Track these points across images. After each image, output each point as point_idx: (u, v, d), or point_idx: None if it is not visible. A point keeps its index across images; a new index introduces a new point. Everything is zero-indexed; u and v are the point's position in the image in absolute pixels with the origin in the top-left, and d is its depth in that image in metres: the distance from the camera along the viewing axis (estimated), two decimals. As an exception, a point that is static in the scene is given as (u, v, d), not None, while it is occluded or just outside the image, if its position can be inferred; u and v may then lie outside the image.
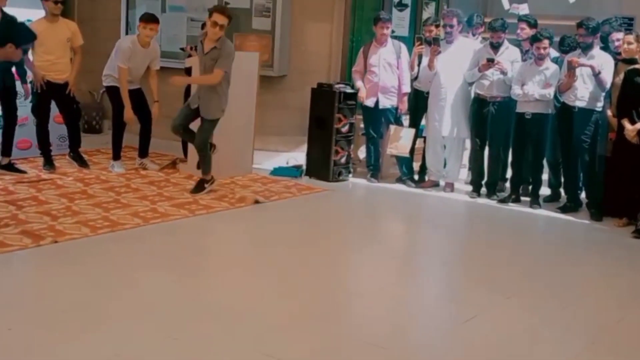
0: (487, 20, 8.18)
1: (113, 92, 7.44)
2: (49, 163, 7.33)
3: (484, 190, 7.56)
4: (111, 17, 8.92)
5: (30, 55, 7.16)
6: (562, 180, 7.40)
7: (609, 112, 6.77)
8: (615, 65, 6.77)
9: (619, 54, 6.84)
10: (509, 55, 7.26)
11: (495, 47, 7.26)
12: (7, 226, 5.39)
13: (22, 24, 6.80)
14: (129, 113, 7.36)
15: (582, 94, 6.78)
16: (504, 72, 7.11)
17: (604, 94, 6.77)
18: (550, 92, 6.93)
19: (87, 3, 9.15)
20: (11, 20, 6.79)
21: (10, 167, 7.07)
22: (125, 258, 5.05)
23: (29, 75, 7.28)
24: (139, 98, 7.51)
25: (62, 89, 7.26)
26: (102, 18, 8.91)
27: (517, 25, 7.71)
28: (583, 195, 7.27)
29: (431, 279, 5.39)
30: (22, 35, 6.71)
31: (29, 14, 7.44)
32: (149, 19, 7.39)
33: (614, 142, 6.69)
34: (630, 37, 6.76)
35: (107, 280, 4.57)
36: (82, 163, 7.51)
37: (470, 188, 7.66)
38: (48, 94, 7.22)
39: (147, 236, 5.52)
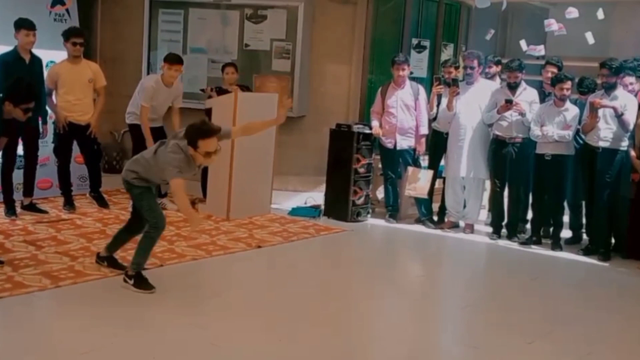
0: (504, 61, 8.22)
1: (135, 129, 7.53)
2: (69, 203, 7.38)
3: (504, 231, 7.50)
4: (133, 58, 9.05)
5: (53, 97, 7.27)
6: (584, 221, 7.32)
7: (632, 153, 6.71)
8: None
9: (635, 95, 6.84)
10: (527, 96, 7.26)
11: (513, 87, 7.26)
12: (27, 267, 5.41)
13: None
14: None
15: (605, 134, 6.74)
16: (522, 114, 7.10)
17: (627, 134, 6.74)
18: (569, 133, 6.91)
19: (109, 44, 9.29)
20: (39, 61, 6.96)
21: (32, 207, 7.12)
22: (143, 299, 5.03)
23: (51, 116, 7.39)
24: (160, 137, 7.56)
25: (84, 130, 7.34)
26: (125, 59, 9.04)
27: (542, 67, 7.75)
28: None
29: (451, 322, 5.32)
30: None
31: (52, 55, 7.59)
32: (174, 59, 7.49)
33: (638, 183, 6.62)
34: None
35: (125, 321, 4.56)
36: (102, 203, 7.56)
37: (490, 229, 7.60)
38: (70, 134, 7.31)
39: (164, 277, 5.50)
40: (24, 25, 6.82)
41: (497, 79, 8.11)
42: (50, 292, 5.00)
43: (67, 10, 8.18)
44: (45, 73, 7.35)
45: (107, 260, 5.52)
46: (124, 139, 9.29)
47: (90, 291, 5.11)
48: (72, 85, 7.25)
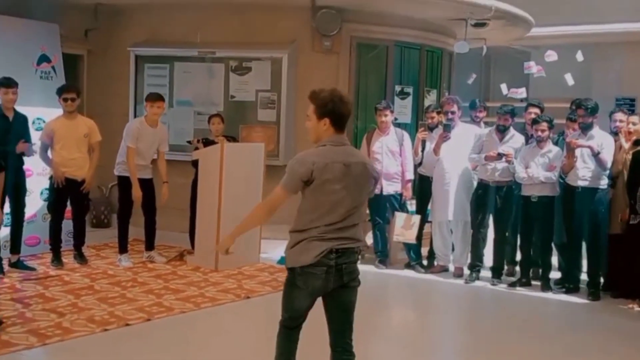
0: (489, 105, 8.37)
1: (123, 181, 7.54)
2: (57, 259, 7.37)
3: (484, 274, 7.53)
4: (120, 112, 9.13)
5: (49, 153, 7.33)
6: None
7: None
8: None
9: (617, 134, 6.97)
10: (514, 143, 7.34)
11: (502, 131, 7.35)
12: (13, 325, 5.39)
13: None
14: (136, 191, 7.42)
15: (583, 173, 6.84)
16: (511, 163, 7.18)
17: (606, 172, 6.82)
18: (555, 174, 7.00)
19: (96, 99, 9.39)
20: (23, 118, 7.04)
21: (20, 265, 7.10)
22: (131, 355, 5.01)
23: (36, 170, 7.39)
24: (148, 189, 7.60)
25: (79, 185, 7.38)
26: (111, 114, 9.11)
27: (524, 109, 7.90)
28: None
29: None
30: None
31: (40, 113, 7.66)
32: (156, 97, 7.61)
33: (626, 223, 6.67)
34: (635, 118, 6.88)
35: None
36: (82, 260, 7.52)
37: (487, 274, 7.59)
38: (66, 190, 7.33)
39: (152, 331, 5.49)
40: (3, 83, 6.91)
41: (482, 124, 8.23)
42: (37, 351, 4.97)
43: (53, 67, 8.30)
44: (41, 129, 7.48)
45: None
46: (111, 193, 9.32)
47: (78, 348, 5.07)
48: (68, 141, 7.31)
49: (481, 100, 8.43)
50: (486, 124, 8.08)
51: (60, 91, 7.40)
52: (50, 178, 7.44)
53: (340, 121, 3.71)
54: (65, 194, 7.37)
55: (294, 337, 3.94)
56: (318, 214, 3.68)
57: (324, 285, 3.71)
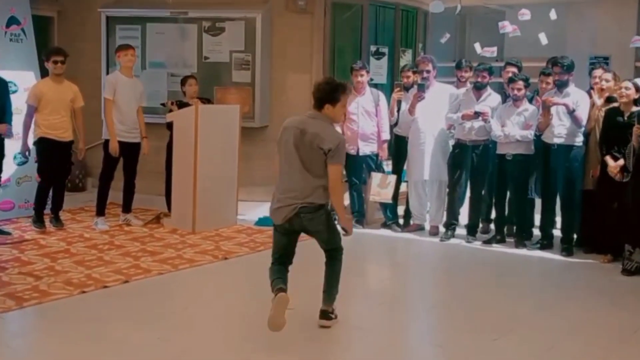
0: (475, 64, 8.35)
1: (108, 144, 7.47)
2: (40, 221, 7.31)
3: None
4: (92, 75, 9.02)
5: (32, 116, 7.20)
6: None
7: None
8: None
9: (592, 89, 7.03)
10: (491, 101, 7.36)
11: (479, 88, 7.35)
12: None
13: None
14: (113, 143, 7.37)
15: (559, 131, 6.90)
16: (487, 121, 7.20)
17: (581, 129, 6.89)
18: (530, 133, 7.05)
19: (67, 62, 9.24)
20: (3, 83, 6.93)
21: (-4, 230, 7.07)
22: (109, 316, 5.02)
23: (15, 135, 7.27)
24: (133, 152, 7.55)
25: (66, 147, 7.33)
26: (83, 76, 8.97)
27: (502, 68, 7.89)
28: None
29: (418, 323, 5.39)
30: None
31: (7, 75, 7.52)
32: (126, 46, 7.60)
33: (598, 179, 6.77)
34: (608, 75, 6.91)
35: (92, 340, 4.53)
36: (58, 224, 7.44)
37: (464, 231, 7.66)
38: (53, 153, 7.25)
39: (130, 293, 5.50)
40: None
41: (468, 84, 8.21)
42: (14, 314, 4.96)
43: (22, 29, 8.14)
44: (14, 92, 7.39)
45: None
46: (86, 156, 9.23)
47: (56, 311, 5.08)
48: (56, 104, 7.22)
49: (467, 60, 8.35)
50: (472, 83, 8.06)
51: (49, 54, 7.30)
52: (37, 142, 7.28)
53: (315, 102, 4.75)
54: (52, 156, 7.27)
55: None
56: None
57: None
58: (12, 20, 8.09)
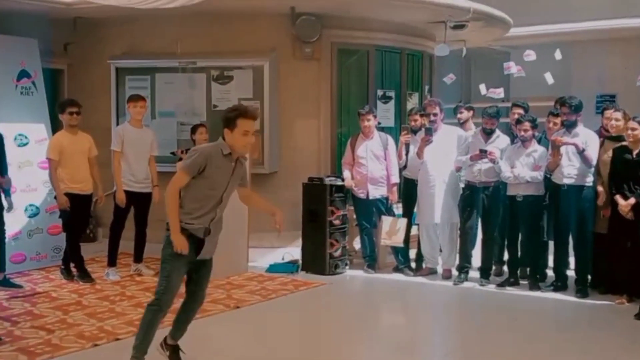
0: (475, 106, 8.43)
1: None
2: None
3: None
4: (103, 126, 9.08)
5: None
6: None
7: (600, 189, 6.83)
8: (603, 142, 6.92)
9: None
10: (500, 143, 7.37)
11: (488, 133, 7.38)
12: (2, 344, 5.33)
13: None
14: (120, 194, 7.38)
15: (568, 171, 6.87)
16: (495, 162, 7.20)
17: (591, 169, 6.86)
18: (540, 173, 7.02)
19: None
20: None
21: (6, 282, 7.03)
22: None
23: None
24: (145, 202, 7.57)
25: (88, 199, 7.34)
26: (94, 128, 9.03)
27: (509, 109, 7.96)
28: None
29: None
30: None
31: (19, 129, 7.59)
32: (137, 97, 7.60)
33: (610, 219, 6.70)
34: (618, 115, 6.91)
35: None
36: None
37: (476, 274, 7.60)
38: (77, 207, 7.20)
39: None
40: None
41: (471, 124, 8.25)
42: (27, 369, 4.93)
43: (33, 82, 8.25)
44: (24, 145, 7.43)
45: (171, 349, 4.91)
46: (96, 208, 9.26)
47: (68, 365, 5.04)
48: (73, 156, 7.22)
49: (462, 102, 8.47)
50: (477, 125, 8.11)
51: (64, 105, 7.32)
52: (56, 198, 7.19)
53: None
54: (78, 210, 7.22)
55: None
56: None
57: None
58: (23, 74, 8.21)
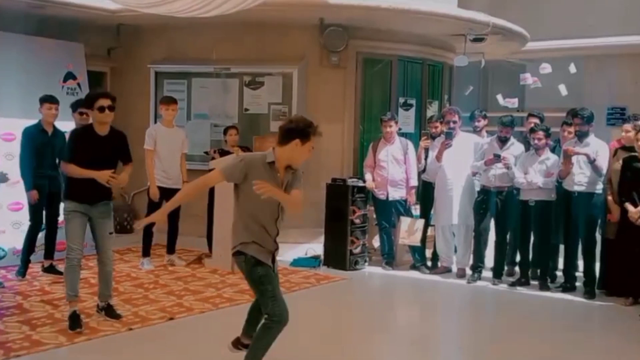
0: (489, 115, 8.37)
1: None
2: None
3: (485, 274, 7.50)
4: (141, 127, 9.13)
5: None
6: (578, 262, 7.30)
7: (609, 197, 6.75)
8: (616, 152, 6.84)
9: None
10: (514, 150, 7.33)
11: (503, 141, 7.34)
12: (44, 325, 5.40)
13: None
14: (153, 189, 7.42)
15: (579, 179, 6.81)
16: (508, 167, 7.16)
17: (602, 178, 6.79)
18: (552, 180, 6.97)
19: (119, 115, 9.36)
20: (62, 134, 6.97)
21: (52, 269, 7.11)
22: (154, 352, 5.01)
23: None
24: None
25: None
26: (134, 128, 9.12)
27: (525, 119, 7.91)
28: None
29: (446, 363, 5.29)
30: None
31: (64, 126, 7.65)
32: (169, 100, 7.66)
33: (619, 225, 6.63)
34: (629, 126, 6.83)
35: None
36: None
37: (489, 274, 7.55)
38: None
39: (174, 330, 5.49)
40: (47, 100, 6.89)
41: (484, 132, 8.21)
42: (62, 350, 4.96)
43: (78, 84, 8.36)
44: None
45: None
46: (133, 201, 9.37)
47: (105, 346, 5.08)
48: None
49: (479, 110, 8.42)
50: (489, 132, 8.07)
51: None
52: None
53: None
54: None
55: None
56: None
57: None
58: (69, 76, 8.32)
